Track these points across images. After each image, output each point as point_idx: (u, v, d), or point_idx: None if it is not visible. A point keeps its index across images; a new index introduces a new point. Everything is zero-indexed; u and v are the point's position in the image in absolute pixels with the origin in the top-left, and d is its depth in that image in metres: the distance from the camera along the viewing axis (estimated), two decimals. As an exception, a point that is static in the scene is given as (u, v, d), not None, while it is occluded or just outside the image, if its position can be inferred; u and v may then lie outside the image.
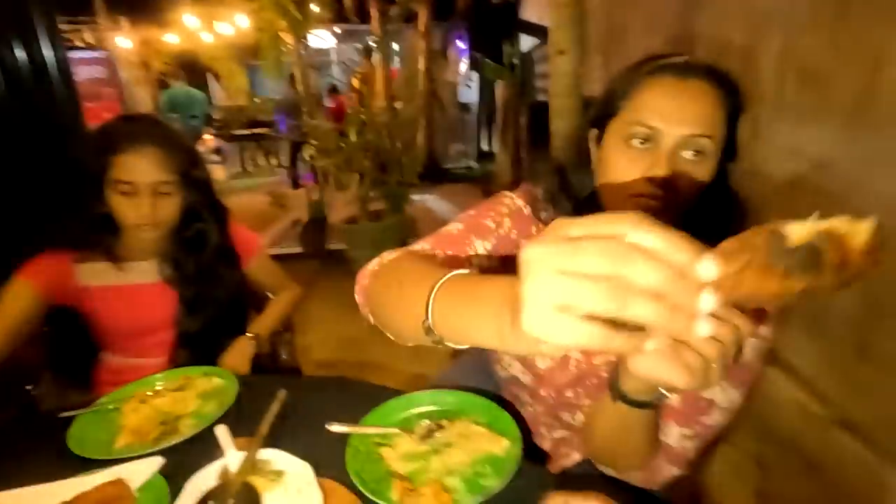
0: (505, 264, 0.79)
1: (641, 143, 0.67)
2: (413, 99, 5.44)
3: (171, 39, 7.12)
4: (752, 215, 0.75)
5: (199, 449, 0.73)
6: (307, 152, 3.70)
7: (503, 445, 0.71)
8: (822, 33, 1.18)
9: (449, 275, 0.48)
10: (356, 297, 0.73)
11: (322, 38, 6.48)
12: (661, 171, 0.65)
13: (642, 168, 0.67)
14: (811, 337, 1.25)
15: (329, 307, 2.98)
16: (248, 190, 6.30)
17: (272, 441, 0.73)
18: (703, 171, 0.67)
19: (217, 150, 7.33)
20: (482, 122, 7.00)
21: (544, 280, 0.32)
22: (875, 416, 1.09)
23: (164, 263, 1.11)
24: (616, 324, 0.32)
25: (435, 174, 6.09)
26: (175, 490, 0.65)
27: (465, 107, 7.29)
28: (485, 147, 7.13)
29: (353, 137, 3.42)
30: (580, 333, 0.31)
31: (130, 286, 1.10)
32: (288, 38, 5.24)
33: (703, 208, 0.70)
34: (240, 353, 1.14)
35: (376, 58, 5.53)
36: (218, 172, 6.79)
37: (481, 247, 0.78)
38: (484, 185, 5.51)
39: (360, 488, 0.64)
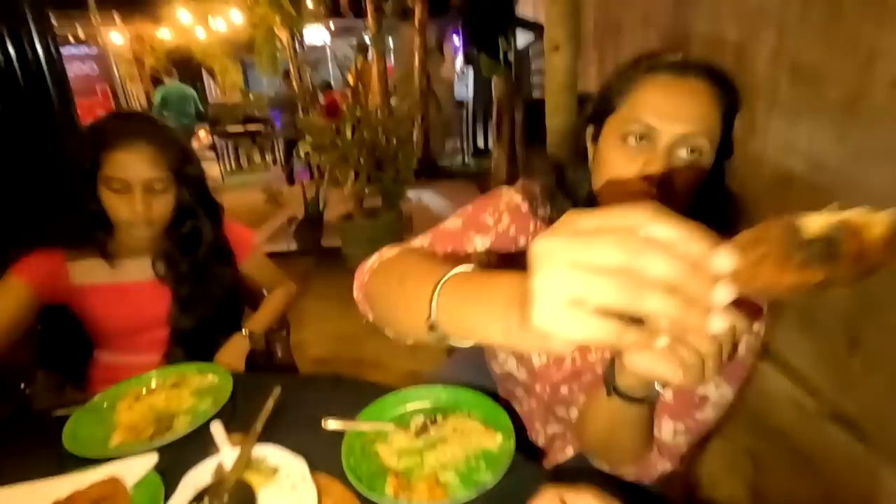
0: (504, 261, 0.79)
1: (638, 140, 0.68)
2: (408, 95, 5.42)
3: (164, 35, 7.07)
4: (746, 212, 0.75)
5: (194, 446, 0.73)
6: (302, 149, 3.68)
7: (497, 440, 0.71)
8: (815, 30, 1.19)
9: (453, 271, 0.47)
10: (354, 293, 0.72)
11: (317, 34, 6.44)
12: (657, 169, 0.66)
13: (638, 166, 0.67)
14: (803, 332, 1.26)
15: (324, 304, 2.98)
16: (242, 187, 6.27)
17: (267, 437, 0.73)
18: (698, 170, 0.68)
19: (212, 147, 7.29)
20: (478, 119, 6.99)
21: (556, 273, 0.31)
22: (865, 410, 1.10)
23: (158, 261, 1.11)
24: (624, 319, 0.31)
25: (430, 171, 6.08)
26: (170, 487, 0.65)
27: (460, 103, 7.26)
28: (480, 144, 7.13)
29: (348, 134, 3.41)
30: (592, 328, 0.30)
31: (124, 284, 1.10)
32: (282, 34, 5.22)
33: (698, 206, 0.70)
34: (234, 351, 1.14)
35: (371, 54, 5.51)
36: (212, 169, 6.78)
37: (480, 243, 0.78)
38: (479, 181, 5.50)
39: (355, 484, 0.64)
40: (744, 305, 0.31)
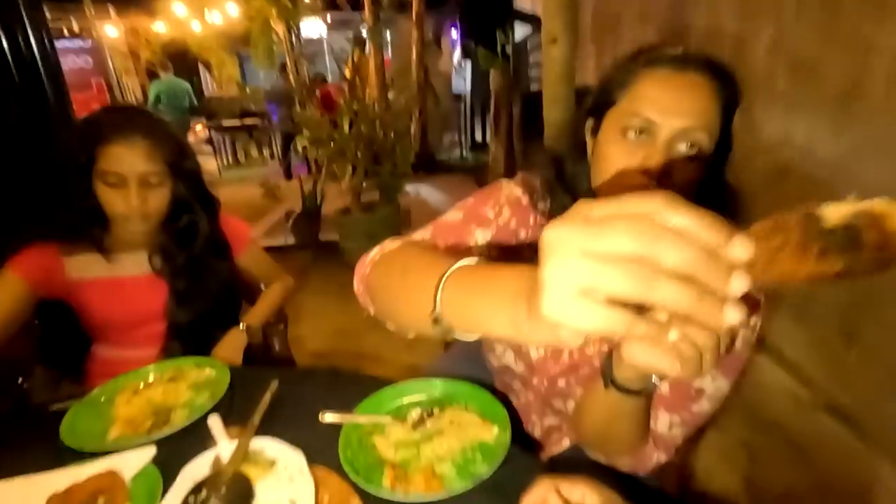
0: (505, 254, 0.79)
1: (637, 134, 0.67)
2: (406, 89, 5.41)
3: (159, 28, 7.02)
4: (744, 205, 0.75)
5: (192, 439, 0.74)
6: (299, 143, 3.67)
7: (493, 433, 0.72)
8: (813, 24, 1.18)
9: (459, 263, 0.47)
10: (355, 286, 0.71)
11: (313, 27, 6.39)
12: (656, 163, 0.66)
13: (638, 160, 0.67)
14: (799, 324, 1.27)
15: (322, 298, 2.98)
16: (240, 181, 6.26)
17: (265, 430, 0.74)
18: (698, 164, 0.67)
19: (208, 141, 7.26)
20: (476, 112, 6.97)
21: (567, 262, 0.30)
22: (860, 402, 1.11)
23: (154, 255, 1.11)
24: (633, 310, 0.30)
25: (428, 165, 6.07)
26: (168, 480, 0.65)
27: (458, 97, 7.24)
28: (478, 137, 7.11)
29: (345, 128, 3.40)
30: (603, 318, 0.30)
31: (120, 278, 1.10)
32: (279, 27, 5.18)
33: (697, 200, 0.70)
34: (232, 345, 1.14)
35: (368, 47, 5.48)
36: (209, 164, 6.75)
37: (482, 236, 0.78)
38: (477, 175, 5.50)
39: (352, 476, 0.64)
40: (742, 299, 0.30)
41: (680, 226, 0.29)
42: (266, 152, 7.83)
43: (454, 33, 6.82)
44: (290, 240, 3.94)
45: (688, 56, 0.68)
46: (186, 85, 6.28)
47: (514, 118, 4.30)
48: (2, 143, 1.74)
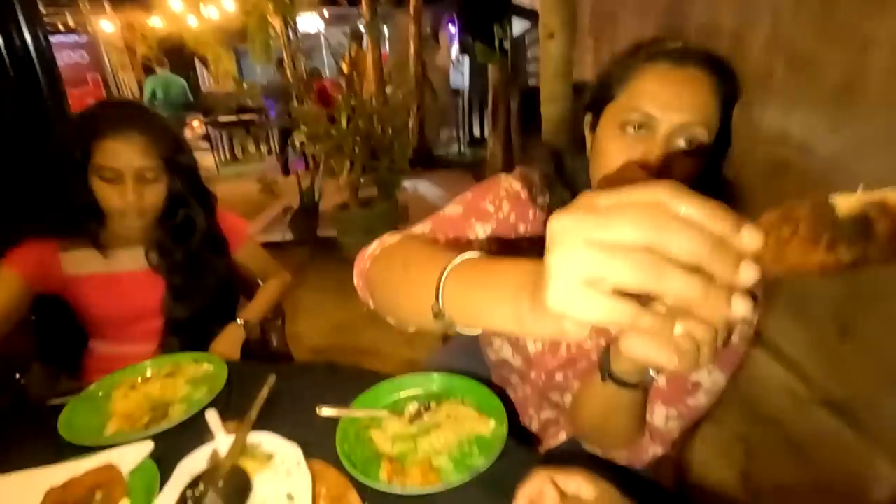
0: (505, 248, 0.79)
1: (636, 129, 0.67)
2: (404, 84, 5.37)
3: (155, 23, 6.97)
4: (742, 200, 0.75)
5: (190, 434, 0.74)
6: (297, 138, 3.65)
7: (490, 426, 0.72)
8: (811, 19, 1.18)
9: (461, 257, 0.47)
10: (355, 280, 0.71)
11: (311, 22, 6.36)
12: (655, 158, 0.66)
13: (637, 155, 0.67)
14: (795, 319, 1.27)
15: (320, 294, 2.99)
16: (237, 177, 6.24)
17: (262, 425, 0.74)
18: (697, 159, 0.67)
19: (205, 137, 7.23)
20: (474, 108, 6.95)
21: (573, 252, 0.29)
22: (855, 396, 1.12)
23: (151, 251, 1.10)
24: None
25: (426, 160, 6.05)
26: (166, 474, 0.66)
27: (456, 92, 7.22)
28: (476, 133, 7.09)
29: (343, 123, 3.39)
30: (608, 309, 0.29)
31: (117, 274, 1.09)
32: (276, 22, 5.15)
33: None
34: (230, 340, 1.14)
35: (366, 42, 5.45)
36: (206, 160, 6.73)
37: (482, 230, 0.78)
38: (475, 171, 5.49)
39: (350, 469, 0.65)
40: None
41: (688, 215, 0.28)
42: (263, 148, 7.80)
43: (452, 28, 6.80)
44: (288, 236, 3.93)
45: (687, 51, 0.68)
46: (182, 81, 6.26)
47: (512, 113, 4.29)
48: (-3, 139, 1.74)
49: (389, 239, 0.69)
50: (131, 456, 0.70)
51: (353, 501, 0.61)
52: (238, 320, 1.18)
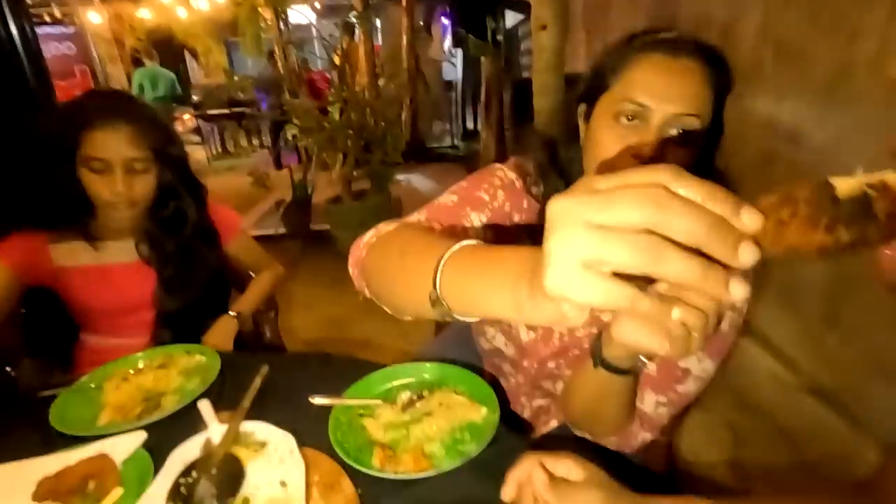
0: (500, 236, 0.79)
1: (630, 119, 0.68)
2: (396, 76, 5.35)
3: (144, 14, 6.87)
4: (732, 190, 0.76)
5: (183, 424, 0.74)
6: (289, 131, 3.63)
7: (482, 413, 0.73)
8: (800, 10, 1.19)
9: (458, 245, 0.46)
10: (350, 269, 0.71)
11: (302, 14, 6.29)
12: (649, 148, 0.66)
13: (630, 146, 0.67)
14: (784, 309, 1.29)
15: (313, 287, 2.98)
16: (229, 171, 6.19)
17: (255, 414, 0.74)
18: (689, 149, 0.68)
19: (196, 131, 7.16)
20: (467, 100, 6.93)
21: (572, 234, 0.29)
22: (842, 383, 1.14)
23: (142, 242, 1.10)
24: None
25: (419, 153, 6.03)
26: (159, 463, 0.66)
27: (449, 84, 7.18)
28: (470, 125, 7.07)
29: (335, 116, 3.37)
30: (607, 291, 0.29)
31: (107, 266, 1.09)
32: (267, 14, 5.10)
33: None
34: (222, 332, 1.14)
35: (358, 34, 5.41)
36: (197, 153, 6.67)
37: (477, 219, 0.78)
38: (468, 164, 5.48)
39: (342, 456, 0.65)
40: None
41: (688, 196, 0.28)
42: (255, 141, 7.74)
43: (444, 20, 6.75)
44: (281, 229, 3.92)
45: (681, 41, 0.68)
46: (171, 74, 6.18)
47: (505, 106, 4.28)
48: (-17, 132, 1.71)
49: (385, 227, 0.69)
50: (124, 446, 0.70)
51: (346, 488, 0.62)
52: (231, 312, 1.18)
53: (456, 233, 0.75)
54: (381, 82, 4.84)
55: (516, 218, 0.81)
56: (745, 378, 1.36)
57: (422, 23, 6.48)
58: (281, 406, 0.78)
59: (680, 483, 1.19)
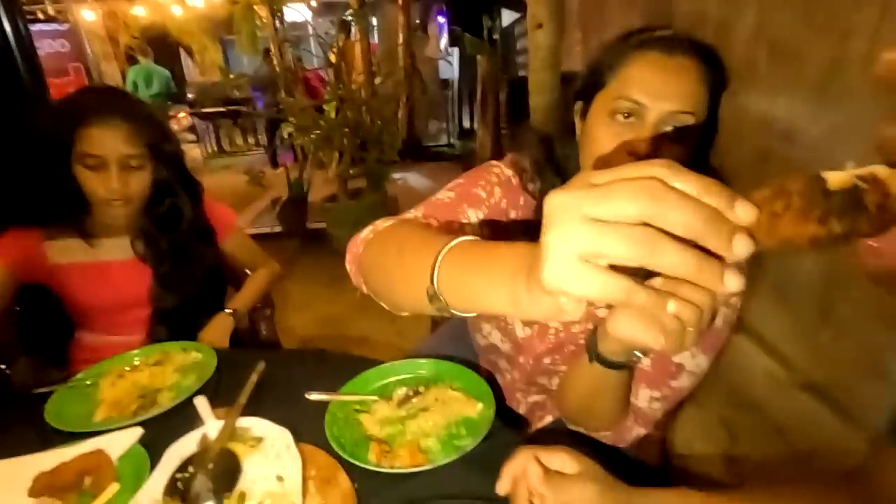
0: (496, 233, 0.79)
1: (626, 117, 0.68)
2: (392, 75, 5.34)
3: (138, 12, 6.83)
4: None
5: (179, 420, 0.74)
6: (285, 130, 3.62)
7: (477, 409, 0.73)
8: (794, 8, 1.20)
9: (456, 240, 0.47)
10: (347, 265, 0.71)
11: (298, 12, 6.27)
12: (644, 146, 0.66)
13: (625, 143, 0.68)
14: (777, 305, 1.30)
15: (310, 286, 2.98)
16: (224, 169, 6.17)
17: (252, 411, 0.74)
18: (684, 147, 0.68)
19: (191, 129, 7.13)
20: (463, 99, 6.92)
21: (569, 227, 0.30)
22: (834, 379, 1.15)
23: (137, 239, 1.10)
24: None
25: (415, 152, 6.03)
26: (156, 459, 0.66)
27: (445, 83, 7.18)
28: (466, 124, 7.07)
29: (331, 115, 3.36)
30: (603, 284, 0.30)
31: (102, 263, 1.08)
32: (262, 12, 5.07)
33: None
34: (218, 329, 1.14)
35: (354, 32, 5.39)
36: (193, 152, 6.64)
37: (474, 215, 0.79)
38: (465, 163, 5.47)
39: (339, 451, 0.66)
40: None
41: (683, 189, 0.29)
42: (251, 140, 7.71)
43: (441, 19, 6.74)
44: (277, 228, 3.91)
45: (677, 39, 0.69)
46: (166, 71, 6.15)
47: (501, 104, 4.29)
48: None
49: (383, 224, 0.69)
50: (120, 442, 0.70)
51: (342, 482, 0.62)
52: (227, 310, 1.18)
53: (453, 229, 0.76)
54: (377, 81, 4.83)
55: (513, 214, 0.81)
56: (739, 374, 1.37)
57: (418, 21, 6.47)
58: (277, 402, 0.78)
59: (673, 477, 1.20)
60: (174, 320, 1.13)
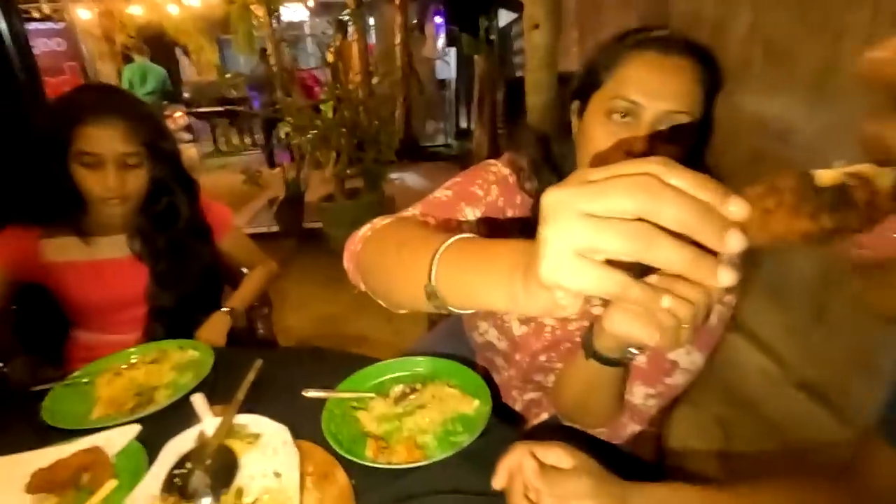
0: (494, 231, 0.80)
1: (622, 116, 0.69)
2: (390, 75, 5.34)
3: (135, 11, 6.80)
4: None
5: (176, 417, 0.74)
6: (282, 130, 3.62)
7: (474, 405, 0.74)
8: (788, 9, 1.21)
9: (454, 238, 0.47)
10: (345, 263, 0.71)
11: (295, 11, 6.26)
12: (640, 144, 0.67)
13: (622, 142, 0.68)
14: (771, 304, 1.31)
15: (307, 286, 2.98)
16: (221, 169, 6.15)
17: (249, 408, 0.74)
18: (680, 147, 0.69)
19: (188, 128, 7.10)
20: (460, 99, 6.93)
21: (566, 223, 0.30)
22: (828, 377, 1.16)
23: (134, 238, 1.09)
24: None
25: (412, 152, 6.03)
26: (153, 456, 0.66)
27: (442, 83, 7.18)
28: (463, 124, 7.08)
29: (328, 114, 3.36)
30: (599, 278, 0.30)
31: (99, 261, 1.08)
32: (259, 11, 5.06)
33: None
34: (216, 327, 1.14)
35: (351, 32, 5.39)
36: (190, 152, 6.61)
37: (471, 213, 0.79)
38: (462, 163, 5.48)
39: (336, 448, 0.66)
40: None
41: (678, 185, 0.29)
42: (247, 139, 7.70)
43: (438, 19, 6.75)
44: (274, 227, 3.91)
45: (672, 39, 0.70)
46: (162, 70, 6.12)
47: (498, 104, 4.30)
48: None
49: (380, 222, 0.70)
50: (118, 439, 0.70)
51: (339, 478, 0.63)
52: (224, 308, 1.18)
53: (450, 227, 0.76)
54: (374, 81, 4.83)
55: (509, 213, 0.82)
56: (734, 372, 1.38)
57: (415, 21, 6.47)
58: (275, 400, 0.78)
59: (669, 474, 1.20)
60: (171, 319, 1.12)
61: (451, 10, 5.57)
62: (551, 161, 0.81)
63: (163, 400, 0.80)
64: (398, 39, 5.83)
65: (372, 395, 0.78)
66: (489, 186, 0.82)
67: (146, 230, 1.09)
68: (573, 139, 0.78)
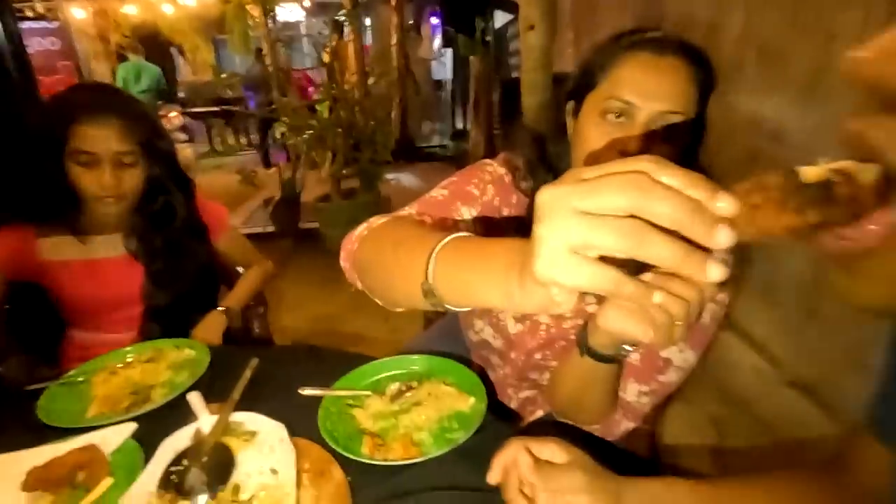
0: (490, 230, 0.80)
1: (616, 117, 0.69)
2: (386, 75, 5.34)
3: (129, 10, 6.77)
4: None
5: (173, 416, 0.74)
6: (278, 130, 3.61)
7: (470, 403, 0.74)
8: (781, 11, 1.22)
9: (450, 236, 0.48)
10: (342, 263, 0.72)
11: (291, 11, 6.25)
12: (634, 145, 0.68)
13: (616, 142, 0.69)
14: (764, 303, 1.32)
15: (303, 286, 2.98)
16: (216, 169, 6.13)
17: (246, 406, 0.74)
18: (673, 147, 0.69)
19: (183, 128, 7.08)
20: (456, 100, 6.94)
21: (560, 220, 0.31)
22: (820, 375, 1.17)
23: (130, 237, 1.09)
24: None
25: (408, 152, 6.03)
26: (149, 455, 0.66)
27: (438, 84, 7.19)
28: (459, 125, 7.09)
29: (324, 115, 3.36)
30: (593, 275, 0.31)
31: (95, 260, 1.08)
32: (255, 11, 5.06)
33: None
34: (212, 326, 1.14)
35: (347, 32, 5.39)
36: (185, 152, 6.59)
37: (467, 213, 0.80)
38: (458, 163, 5.49)
39: (332, 445, 0.66)
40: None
41: (669, 183, 0.30)
42: (243, 139, 7.68)
43: (434, 20, 6.76)
44: (270, 227, 3.90)
45: (667, 40, 0.70)
46: (157, 68, 6.10)
47: (494, 105, 4.31)
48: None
49: (377, 221, 0.70)
50: (114, 437, 0.70)
51: (336, 475, 0.63)
52: (220, 307, 1.18)
53: (446, 226, 0.77)
54: (370, 81, 4.83)
55: (505, 212, 0.82)
56: (727, 371, 1.39)
57: (411, 22, 6.48)
58: (271, 398, 0.78)
59: (662, 470, 1.21)
60: (167, 318, 1.12)
61: (448, 11, 5.58)
62: (547, 161, 0.81)
63: (158, 399, 0.80)
64: (394, 40, 5.83)
65: (368, 392, 0.78)
66: (485, 186, 0.82)
67: (142, 229, 1.09)
68: (568, 139, 0.79)
